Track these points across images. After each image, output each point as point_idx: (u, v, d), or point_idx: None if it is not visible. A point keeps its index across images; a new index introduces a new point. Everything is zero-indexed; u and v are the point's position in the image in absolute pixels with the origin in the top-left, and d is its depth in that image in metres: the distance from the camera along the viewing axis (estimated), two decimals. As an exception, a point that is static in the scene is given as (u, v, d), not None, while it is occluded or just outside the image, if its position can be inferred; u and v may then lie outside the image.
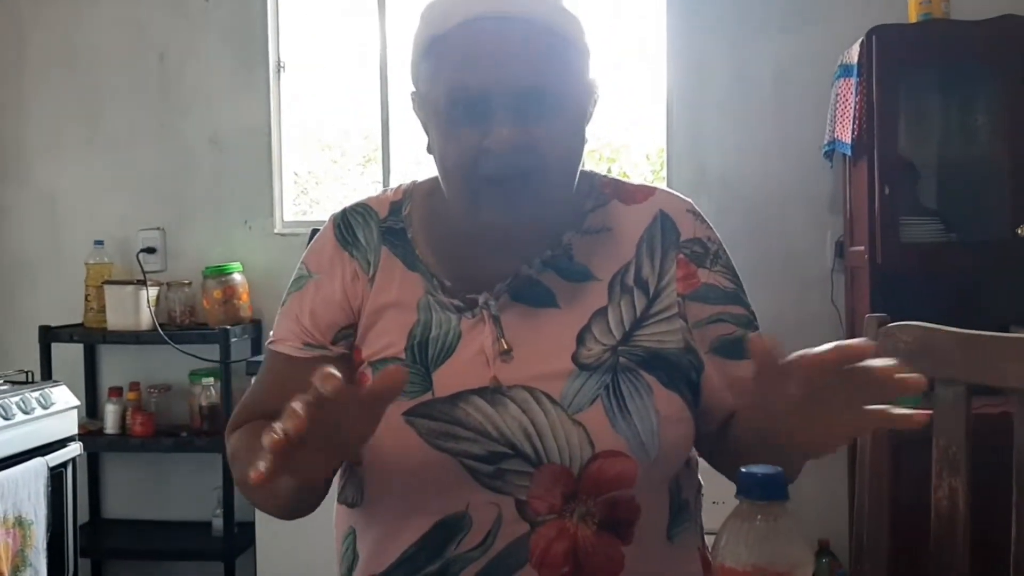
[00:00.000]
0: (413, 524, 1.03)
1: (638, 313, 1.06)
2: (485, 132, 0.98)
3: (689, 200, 1.14)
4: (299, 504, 1.04)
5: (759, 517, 0.72)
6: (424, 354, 1.04)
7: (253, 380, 1.17)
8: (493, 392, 1.02)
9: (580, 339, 1.04)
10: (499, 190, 0.99)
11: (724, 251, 1.13)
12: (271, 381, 1.12)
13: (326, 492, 1.05)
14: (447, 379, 1.03)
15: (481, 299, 1.06)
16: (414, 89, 1.07)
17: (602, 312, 1.06)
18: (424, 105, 1.05)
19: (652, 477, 1.03)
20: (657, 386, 1.03)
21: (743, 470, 0.73)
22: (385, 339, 1.06)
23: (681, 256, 1.09)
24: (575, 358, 1.03)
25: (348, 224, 1.13)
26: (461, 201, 1.03)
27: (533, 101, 0.98)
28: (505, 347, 1.04)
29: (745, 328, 1.09)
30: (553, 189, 1.02)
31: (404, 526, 1.04)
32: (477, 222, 1.03)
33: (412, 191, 1.15)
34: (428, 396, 1.02)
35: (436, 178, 1.07)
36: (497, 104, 0.97)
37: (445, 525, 1.01)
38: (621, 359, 1.03)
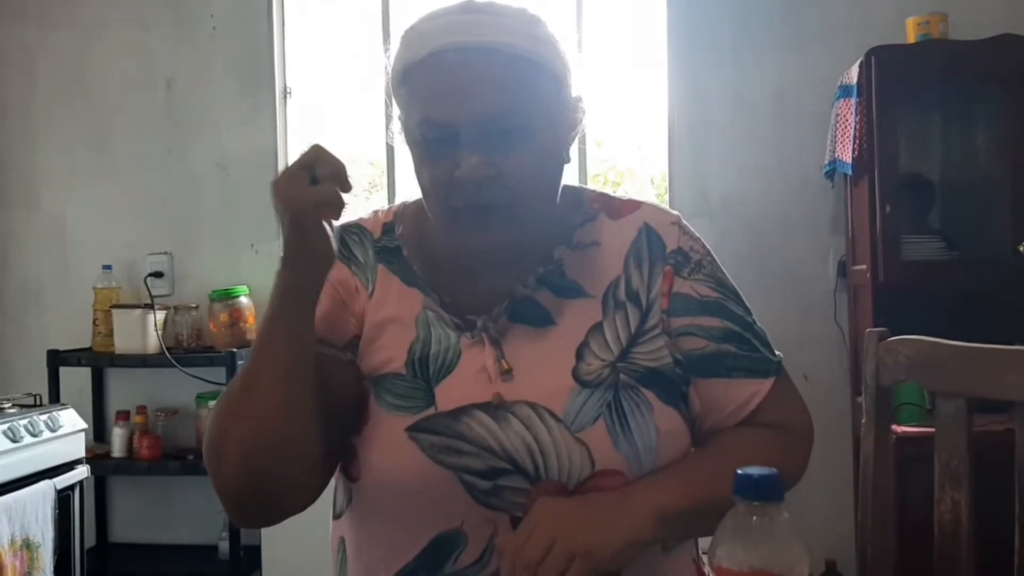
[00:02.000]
0: (409, 540, 1.03)
1: (633, 329, 1.07)
2: (454, 163, 0.99)
3: (676, 213, 1.14)
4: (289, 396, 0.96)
5: (755, 518, 0.73)
6: (425, 369, 1.05)
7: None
8: (496, 407, 1.02)
9: (579, 355, 1.05)
10: (470, 218, 1.00)
11: (710, 260, 1.12)
12: None
13: (317, 490, 1.03)
14: (450, 393, 1.03)
15: (480, 322, 1.06)
16: (399, 112, 1.08)
17: (598, 327, 1.06)
18: (403, 131, 1.07)
19: None
20: (657, 402, 1.04)
21: (739, 472, 0.74)
22: (384, 354, 1.07)
23: (667, 269, 1.09)
24: (575, 373, 1.04)
25: (343, 241, 1.13)
26: (440, 227, 1.05)
27: (499, 132, 0.98)
28: (506, 367, 1.04)
29: (719, 342, 1.08)
30: (524, 216, 1.03)
31: (400, 542, 1.04)
32: (456, 245, 1.05)
33: (403, 212, 1.16)
34: (431, 411, 1.02)
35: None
36: (464, 136, 0.98)
37: (441, 541, 1.02)
38: (621, 376, 1.04)
